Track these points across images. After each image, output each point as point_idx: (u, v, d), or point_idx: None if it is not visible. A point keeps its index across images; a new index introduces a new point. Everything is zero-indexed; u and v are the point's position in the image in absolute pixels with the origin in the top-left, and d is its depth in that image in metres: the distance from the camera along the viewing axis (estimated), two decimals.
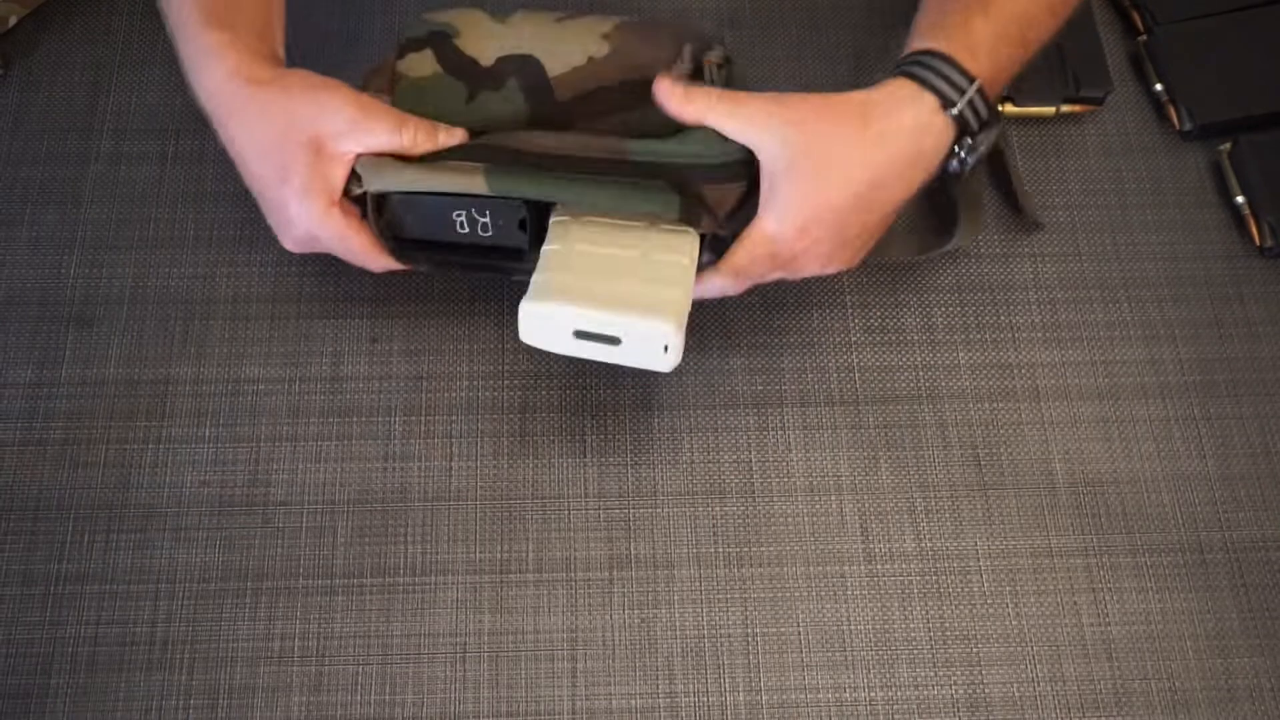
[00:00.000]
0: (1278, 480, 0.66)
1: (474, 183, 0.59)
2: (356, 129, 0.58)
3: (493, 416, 0.67)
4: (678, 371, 0.67)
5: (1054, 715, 0.61)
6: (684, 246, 0.59)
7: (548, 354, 0.68)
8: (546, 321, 0.58)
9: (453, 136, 0.60)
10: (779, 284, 0.63)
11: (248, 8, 0.61)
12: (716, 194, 0.59)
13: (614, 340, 0.57)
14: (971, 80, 0.58)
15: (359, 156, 0.59)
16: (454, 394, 0.67)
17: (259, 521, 0.64)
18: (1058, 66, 0.73)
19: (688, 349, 0.68)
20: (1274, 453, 0.67)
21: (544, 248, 0.60)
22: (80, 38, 0.75)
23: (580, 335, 0.58)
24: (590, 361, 0.67)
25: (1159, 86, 0.74)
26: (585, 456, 0.66)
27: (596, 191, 0.58)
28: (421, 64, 0.63)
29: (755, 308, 0.69)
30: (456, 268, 0.65)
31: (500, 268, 0.64)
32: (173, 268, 0.70)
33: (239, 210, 0.71)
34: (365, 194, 0.60)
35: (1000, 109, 0.73)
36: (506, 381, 0.67)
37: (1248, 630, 0.63)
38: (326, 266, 0.69)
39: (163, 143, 0.73)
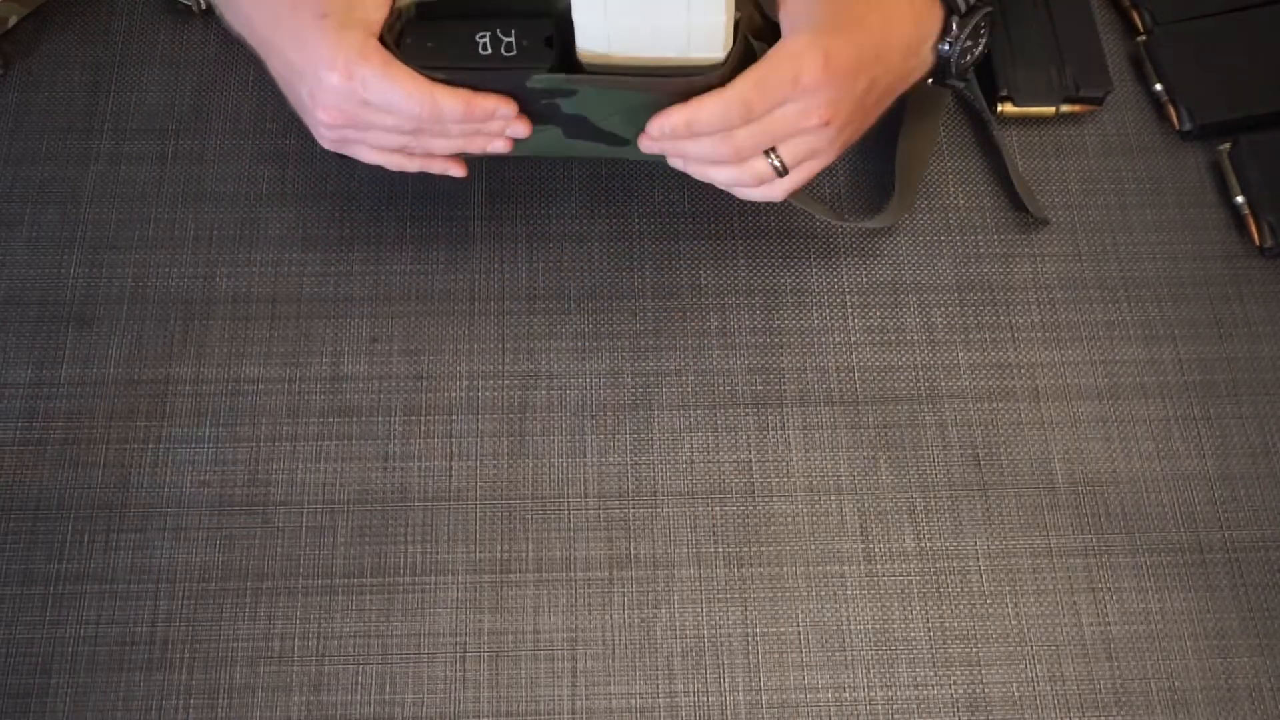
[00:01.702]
0: (1278, 480, 0.66)
1: None
2: None
3: (493, 416, 0.67)
4: (678, 371, 0.67)
5: (1054, 715, 0.61)
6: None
7: (547, 354, 0.68)
8: (607, 19, 0.54)
9: None
10: (757, 154, 0.59)
11: None
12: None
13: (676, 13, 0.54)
14: None
15: None
16: (454, 394, 0.67)
17: (259, 521, 0.64)
18: (1057, 66, 0.73)
19: (689, 348, 0.68)
20: (1274, 453, 0.67)
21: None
22: (80, 38, 0.75)
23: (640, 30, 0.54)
24: (590, 360, 0.67)
25: (1159, 86, 0.74)
26: (585, 456, 0.66)
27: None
28: None
29: (755, 308, 0.69)
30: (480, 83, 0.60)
31: (527, 71, 0.58)
32: (173, 268, 0.70)
33: (239, 210, 0.71)
34: (391, 16, 0.57)
35: (1000, 109, 0.73)
36: (506, 381, 0.67)
37: (1248, 630, 0.63)
38: (326, 267, 0.69)
39: (163, 143, 0.73)
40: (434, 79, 0.57)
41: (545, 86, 0.58)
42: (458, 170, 0.62)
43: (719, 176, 0.60)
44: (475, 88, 0.58)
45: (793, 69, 0.55)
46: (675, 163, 0.61)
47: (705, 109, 0.56)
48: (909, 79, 0.61)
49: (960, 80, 0.63)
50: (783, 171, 0.59)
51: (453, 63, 0.57)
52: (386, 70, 0.55)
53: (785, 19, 0.58)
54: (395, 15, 0.57)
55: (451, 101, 0.56)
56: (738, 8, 0.56)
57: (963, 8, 0.59)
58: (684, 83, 0.57)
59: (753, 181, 0.59)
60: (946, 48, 0.60)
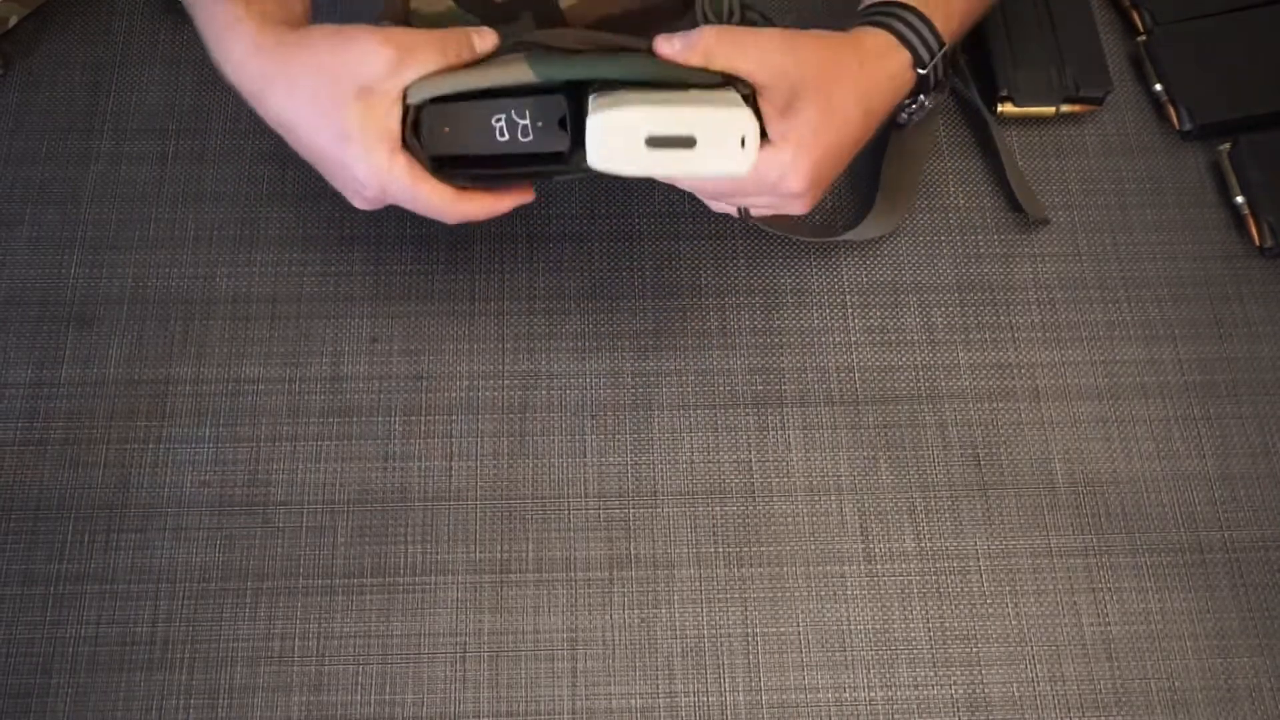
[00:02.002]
0: (1278, 480, 0.66)
1: (519, 71, 0.57)
2: (400, 65, 0.56)
3: (493, 416, 0.67)
4: (678, 371, 0.67)
5: (1054, 715, 0.61)
6: (730, 94, 0.57)
7: (548, 354, 0.68)
8: (618, 132, 0.54)
9: (485, 40, 0.58)
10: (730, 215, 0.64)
11: None
12: None
13: (689, 142, 0.54)
14: (942, 44, 0.59)
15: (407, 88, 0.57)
16: (454, 394, 0.67)
17: (259, 521, 0.64)
18: (1057, 66, 0.73)
19: (689, 348, 0.68)
20: (1274, 453, 0.67)
21: (590, 101, 0.57)
22: (80, 38, 0.75)
23: (653, 143, 0.54)
24: (590, 360, 0.67)
25: (1159, 86, 0.74)
26: (585, 456, 0.66)
27: (640, 61, 0.56)
28: (435, 1, 0.62)
29: (755, 308, 0.69)
30: (500, 180, 0.62)
31: (543, 173, 0.61)
32: (173, 268, 0.70)
33: (239, 210, 0.71)
34: (405, 113, 0.58)
35: (1000, 109, 0.73)
36: (506, 381, 0.67)
37: (1248, 630, 0.63)
38: (326, 267, 0.69)
39: (163, 143, 0.73)
40: (456, 184, 0.59)
41: (565, 182, 0.62)
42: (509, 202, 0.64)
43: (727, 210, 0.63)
44: (495, 174, 0.60)
45: (778, 173, 0.56)
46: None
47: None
48: (897, 96, 0.61)
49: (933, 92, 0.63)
50: (746, 214, 0.62)
51: (472, 150, 0.58)
52: (415, 188, 0.58)
53: (771, 120, 0.57)
54: (406, 109, 0.57)
55: (476, 209, 0.60)
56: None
57: (931, 81, 0.60)
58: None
59: (713, 205, 0.63)
60: (904, 117, 0.63)
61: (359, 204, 0.61)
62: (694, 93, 0.55)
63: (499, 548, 0.64)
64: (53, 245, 0.70)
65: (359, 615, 0.62)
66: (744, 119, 0.54)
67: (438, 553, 0.64)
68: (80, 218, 0.71)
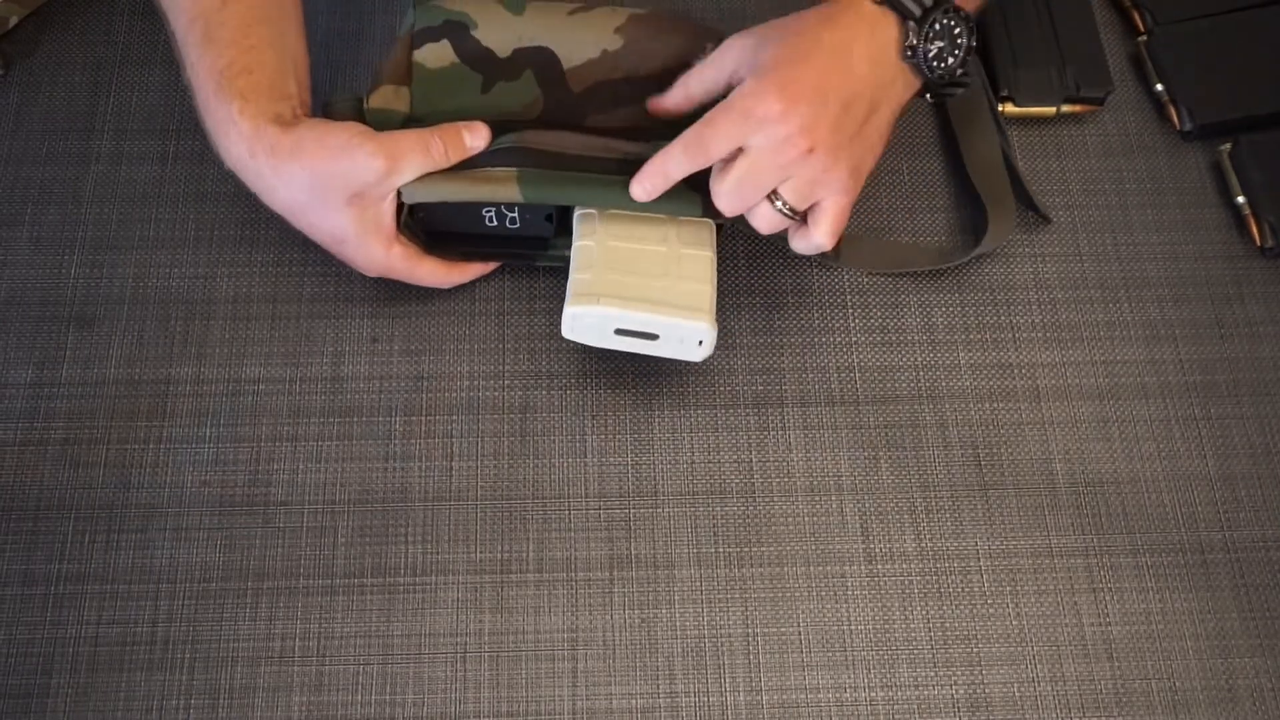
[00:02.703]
0: (1278, 480, 0.66)
1: (508, 191, 0.61)
2: (390, 174, 0.59)
3: (493, 416, 0.67)
4: (678, 371, 0.67)
5: (1054, 715, 0.61)
6: (705, 238, 0.63)
7: (548, 354, 0.68)
8: (590, 321, 0.61)
9: (477, 136, 0.61)
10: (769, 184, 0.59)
11: (260, 60, 0.60)
12: None
13: (652, 337, 0.61)
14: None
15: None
16: (454, 394, 0.67)
17: (259, 521, 0.64)
18: (1058, 66, 0.73)
19: None
20: (1274, 453, 0.67)
21: (576, 243, 0.62)
22: (80, 38, 0.75)
23: (621, 333, 0.61)
24: (590, 360, 0.67)
25: (1159, 86, 0.74)
26: (585, 456, 0.66)
27: (625, 196, 0.60)
28: (438, 55, 0.64)
29: (756, 308, 0.69)
30: (484, 255, 0.68)
31: (526, 255, 0.67)
32: (173, 268, 0.70)
33: (239, 210, 0.71)
34: (400, 207, 0.62)
35: (1001, 109, 0.73)
36: (506, 381, 0.67)
37: (1248, 630, 0.63)
38: (326, 267, 0.69)
39: (163, 143, 0.73)
40: (445, 247, 0.66)
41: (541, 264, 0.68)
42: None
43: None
44: (483, 251, 0.67)
45: (742, 106, 0.57)
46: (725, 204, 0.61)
47: (670, 156, 0.58)
48: (890, 91, 0.60)
49: (956, 87, 0.62)
50: (792, 214, 0.59)
51: (461, 229, 0.66)
52: (413, 271, 0.65)
53: (734, 75, 0.59)
54: (400, 205, 0.62)
55: (469, 275, 0.68)
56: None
57: (916, 11, 0.59)
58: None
59: (770, 229, 0.60)
60: (910, 53, 0.59)
61: (366, 273, 0.66)
62: (665, 282, 0.61)
63: (499, 548, 0.64)
64: (53, 245, 0.70)
65: (359, 615, 0.62)
66: (703, 327, 0.60)
67: (438, 553, 0.64)
68: (80, 218, 0.71)
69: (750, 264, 0.70)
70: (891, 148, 0.62)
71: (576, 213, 0.63)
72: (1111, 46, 0.76)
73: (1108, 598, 0.63)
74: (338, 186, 0.60)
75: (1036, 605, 0.63)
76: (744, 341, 0.68)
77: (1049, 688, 0.62)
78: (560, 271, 0.64)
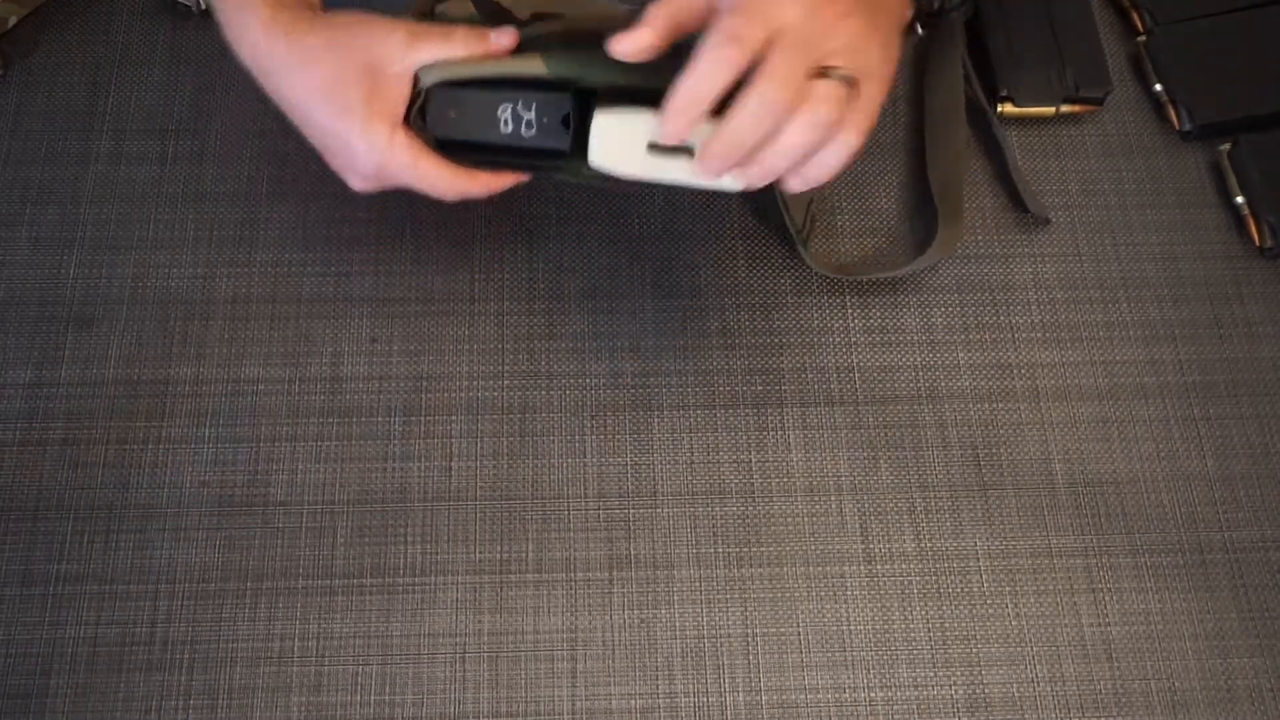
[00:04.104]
0: (1278, 480, 0.66)
1: (533, 64, 0.58)
2: (411, 47, 0.58)
3: (493, 416, 0.67)
4: (678, 371, 0.67)
5: (1054, 715, 0.61)
6: None
7: (547, 354, 0.68)
8: (622, 133, 0.56)
9: (504, 37, 0.59)
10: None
11: None
12: None
13: (689, 151, 0.55)
14: None
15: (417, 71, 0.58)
16: (454, 394, 0.67)
17: (259, 521, 0.64)
18: (1057, 67, 0.73)
19: (689, 349, 0.68)
20: (1274, 453, 0.67)
21: (597, 105, 0.57)
22: (80, 38, 0.75)
23: (654, 149, 0.55)
24: (590, 360, 0.67)
25: (1159, 86, 0.74)
26: (585, 456, 0.66)
27: (656, 71, 0.53)
28: (459, 7, 0.63)
29: (755, 308, 0.69)
30: (498, 169, 0.63)
31: (542, 168, 0.62)
32: (173, 268, 0.69)
33: (239, 210, 0.71)
34: (415, 95, 0.59)
35: (1000, 109, 0.73)
36: (506, 381, 0.67)
37: (1247, 630, 0.63)
38: (326, 267, 0.69)
39: (163, 143, 0.73)
40: (455, 158, 0.60)
41: (561, 180, 0.61)
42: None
43: (799, 139, 0.50)
44: (494, 163, 0.61)
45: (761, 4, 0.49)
46: (756, 172, 0.52)
47: (699, 70, 0.49)
48: (890, 4, 0.54)
49: (944, 14, 0.59)
50: (850, 79, 0.50)
51: (474, 138, 0.60)
52: (415, 165, 0.59)
53: None
54: (416, 91, 0.59)
55: (475, 186, 0.61)
56: None
57: None
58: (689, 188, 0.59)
59: (831, 113, 0.50)
60: None
61: (356, 184, 0.61)
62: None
63: (499, 548, 0.64)
64: (52, 245, 0.70)
65: (359, 615, 0.62)
66: None
67: (438, 553, 0.64)
68: (80, 218, 0.71)
69: (750, 264, 0.70)
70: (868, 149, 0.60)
71: (595, 114, 0.58)
72: (1111, 46, 0.76)
73: (1107, 598, 0.63)
74: (356, 55, 0.57)
75: (1036, 605, 0.63)
76: (744, 341, 0.68)
77: (1048, 688, 0.62)
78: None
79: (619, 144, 0.56)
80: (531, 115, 0.59)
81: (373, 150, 0.58)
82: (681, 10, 0.52)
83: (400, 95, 0.58)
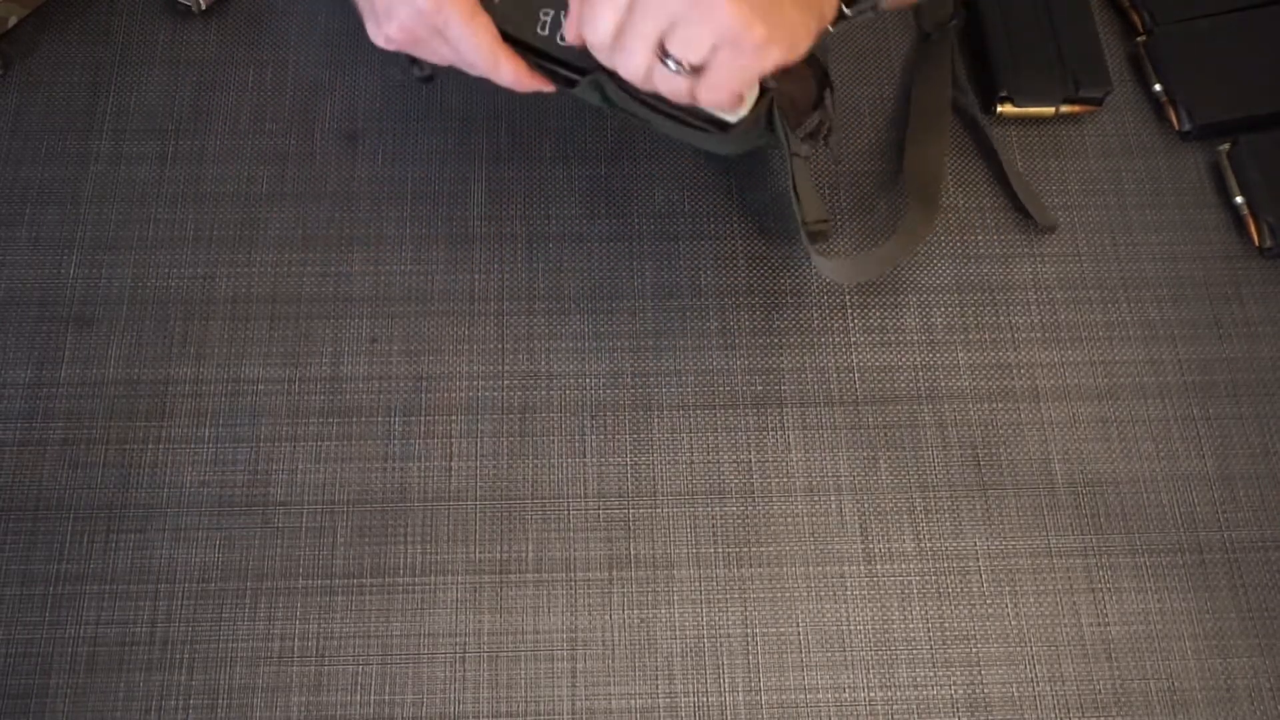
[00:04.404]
0: (1277, 480, 0.66)
1: None
2: None
3: (493, 416, 0.67)
4: (678, 371, 0.67)
5: (1053, 715, 0.61)
6: None
7: (547, 354, 0.68)
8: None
9: None
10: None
11: None
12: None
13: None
14: None
15: None
16: (454, 394, 0.67)
17: (259, 521, 0.64)
18: (1057, 67, 0.73)
19: (689, 349, 0.68)
20: (1273, 453, 0.67)
21: None
22: (80, 38, 0.75)
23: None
24: (590, 360, 0.67)
25: (1158, 87, 0.74)
26: (585, 456, 0.66)
27: None
28: None
29: (756, 308, 0.69)
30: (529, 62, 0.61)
31: (566, 78, 0.61)
32: (173, 268, 0.70)
33: (239, 210, 0.71)
34: None
35: (1000, 109, 0.73)
36: (506, 381, 0.67)
37: (1247, 630, 0.63)
38: (326, 267, 0.69)
39: (163, 143, 0.73)
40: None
41: (581, 96, 0.60)
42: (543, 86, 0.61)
43: (662, 87, 0.54)
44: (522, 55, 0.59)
45: None
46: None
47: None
48: None
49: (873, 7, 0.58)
50: (691, 68, 0.52)
51: (510, 30, 0.59)
52: (472, 18, 0.57)
53: None
54: None
55: (509, 71, 0.58)
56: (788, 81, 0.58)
57: None
58: (694, 130, 0.59)
59: (679, 89, 0.53)
60: None
61: (389, 29, 0.58)
62: None
63: (499, 548, 0.64)
64: (52, 245, 0.70)
65: (359, 615, 0.62)
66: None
67: (437, 553, 0.64)
68: (80, 218, 0.71)
69: (750, 264, 0.70)
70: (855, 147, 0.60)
71: None
72: (1110, 47, 0.76)
73: (1106, 598, 0.63)
74: None
75: (1035, 605, 0.63)
76: (744, 341, 0.68)
77: (1048, 688, 0.62)
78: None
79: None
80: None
81: None
82: None
83: None
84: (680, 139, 0.63)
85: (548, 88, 0.60)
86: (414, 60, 0.64)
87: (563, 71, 0.60)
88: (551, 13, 0.59)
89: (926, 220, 0.69)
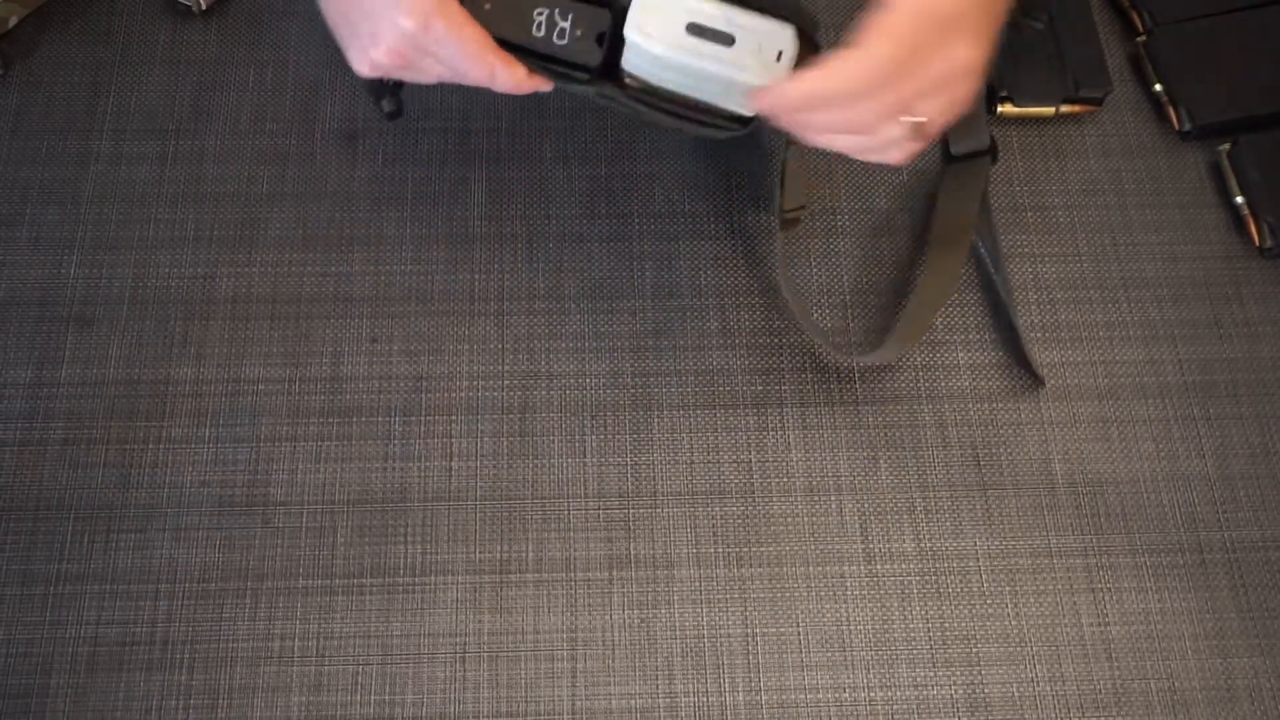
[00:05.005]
0: (1277, 480, 0.66)
1: None
2: None
3: (493, 416, 0.67)
4: (678, 371, 0.67)
5: (1053, 715, 0.61)
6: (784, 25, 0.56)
7: (547, 354, 0.68)
8: (663, 9, 0.54)
9: None
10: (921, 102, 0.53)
11: None
12: None
13: (728, 39, 0.54)
14: None
15: None
16: (454, 394, 0.67)
17: (259, 521, 0.64)
18: (1057, 67, 0.73)
19: (689, 349, 0.68)
20: (1273, 453, 0.67)
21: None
22: (80, 38, 0.75)
23: (693, 30, 0.54)
24: (590, 360, 0.67)
25: (1158, 87, 0.74)
26: (585, 456, 0.66)
27: None
28: None
29: (755, 308, 0.69)
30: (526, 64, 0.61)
31: (566, 77, 0.60)
32: (173, 268, 0.70)
33: (239, 210, 0.71)
34: None
35: (1000, 109, 0.73)
36: (506, 381, 0.67)
37: (1247, 630, 0.63)
38: (326, 267, 0.69)
39: (163, 143, 0.73)
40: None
41: (580, 93, 0.59)
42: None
43: (849, 146, 0.55)
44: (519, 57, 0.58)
45: (935, 17, 0.50)
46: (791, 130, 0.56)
47: (840, 76, 0.51)
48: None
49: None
50: (919, 127, 0.53)
51: (504, 34, 0.58)
52: (461, 30, 0.55)
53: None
54: None
55: (506, 77, 0.57)
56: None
57: None
58: (709, 129, 0.58)
59: (889, 149, 0.54)
60: None
61: (380, 54, 0.56)
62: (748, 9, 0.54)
63: (499, 548, 0.64)
64: (52, 245, 0.70)
65: (359, 615, 0.62)
66: (788, 36, 0.54)
67: (438, 553, 0.64)
68: (80, 218, 0.71)
69: (750, 264, 0.70)
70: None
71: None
72: (1111, 47, 0.76)
73: (1106, 598, 0.63)
74: None
75: (1035, 605, 0.63)
76: (744, 341, 0.68)
77: (1048, 688, 0.62)
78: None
79: (659, 18, 0.54)
80: (567, 24, 0.58)
81: (423, 2, 0.54)
82: None
83: None
84: (679, 130, 0.61)
85: (546, 86, 0.59)
86: (380, 95, 0.64)
87: (562, 70, 0.59)
88: (545, 12, 0.58)
89: (902, 344, 0.67)
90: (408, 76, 0.59)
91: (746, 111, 0.57)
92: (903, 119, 0.52)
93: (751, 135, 0.63)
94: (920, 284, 0.69)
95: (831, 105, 0.52)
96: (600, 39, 0.58)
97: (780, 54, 0.54)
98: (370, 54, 0.57)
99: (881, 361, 0.68)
